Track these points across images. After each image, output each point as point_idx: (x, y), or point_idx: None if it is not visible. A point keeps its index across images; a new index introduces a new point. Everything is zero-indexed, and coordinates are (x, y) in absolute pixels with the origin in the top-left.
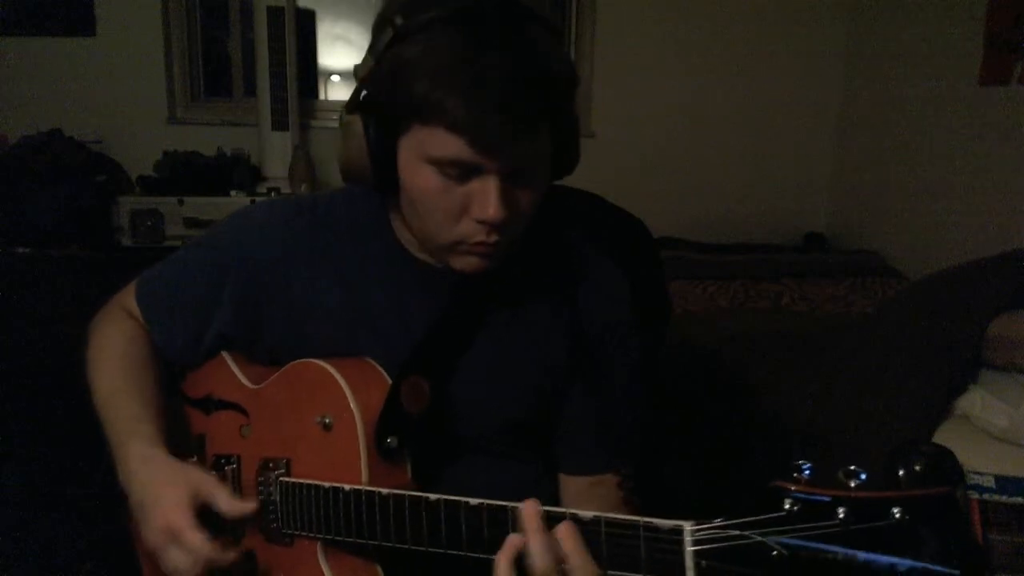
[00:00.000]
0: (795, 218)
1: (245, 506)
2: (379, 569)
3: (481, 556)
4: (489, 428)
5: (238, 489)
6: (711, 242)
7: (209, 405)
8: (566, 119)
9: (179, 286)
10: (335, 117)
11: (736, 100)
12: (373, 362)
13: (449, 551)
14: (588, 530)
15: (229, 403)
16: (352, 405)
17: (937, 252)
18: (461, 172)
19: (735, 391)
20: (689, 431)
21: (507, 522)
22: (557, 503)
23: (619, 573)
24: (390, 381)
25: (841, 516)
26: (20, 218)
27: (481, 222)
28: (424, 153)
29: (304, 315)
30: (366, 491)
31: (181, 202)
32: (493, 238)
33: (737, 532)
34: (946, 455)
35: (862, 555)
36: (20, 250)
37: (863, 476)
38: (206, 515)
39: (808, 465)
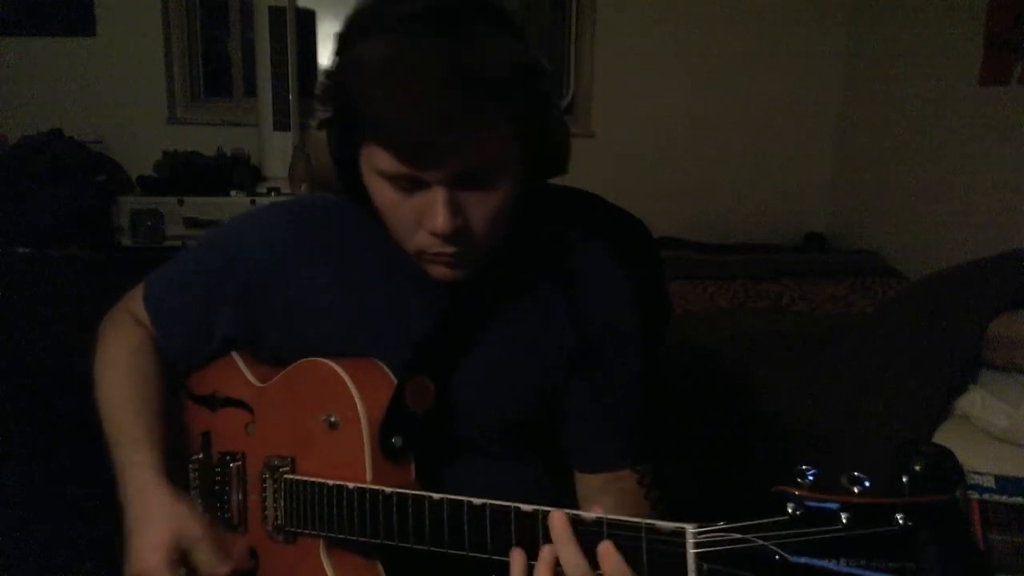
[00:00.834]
0: (795, 218)
1: (224, 561)
2: (381, 568)
3: (483, 556)
4: (491, 428)
5: (243, 486)
6: (711, 242)
7: (215, 402)
8: (526, 117)
9: (183, 288)
10: None
11: (736, 100)
12: (379, 362)
13: (451, 551)
14: (590, 531)
15: (235, 400)
16: (358, 404)
17: (937, 252)
18: (408, 184)
19: (735, 391)
20: (689, 431)
21: (510, 522)
22: (558, 502)
23: None
24: (395, 381)
25: (844, 522)
26: (20, 218)
27: (433, 234)
28: (374, 167)
29: (304, 316)
30: (370, 490)
31: (181, 202)
32: (450, 248)
33: (739, 536)
34: (946, 455)
35: (864, 561)
36: (20, 250)
37: (867, 483)
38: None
39: (812, 470)
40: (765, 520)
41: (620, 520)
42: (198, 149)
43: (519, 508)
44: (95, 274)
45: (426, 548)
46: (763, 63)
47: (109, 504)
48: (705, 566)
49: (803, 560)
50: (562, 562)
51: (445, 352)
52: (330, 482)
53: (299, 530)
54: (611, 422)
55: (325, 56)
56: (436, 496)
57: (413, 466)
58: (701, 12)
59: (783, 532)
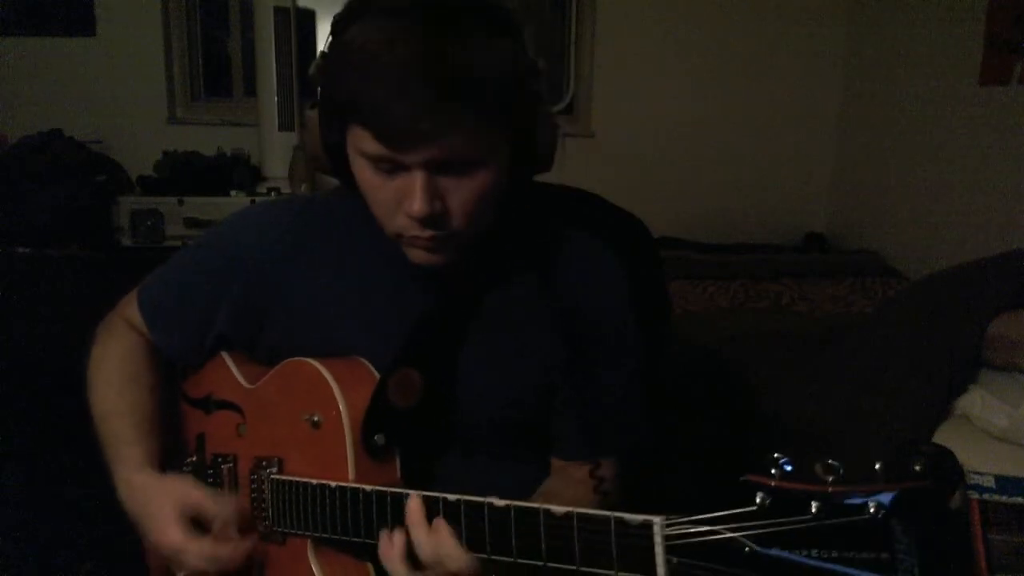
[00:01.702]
0: (795, 218)
1: (229, 502)
2: (371, 568)
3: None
4: (482, 424)
5: (234, 487)
6: (711, 242)
7: (209, 405)
8: (510, 111)
9: (179, 289)
10: None
11: (736, 100)
12: (363, 360)
13: None
14: (561, 525)
15: (227, 403)
16: (339, 403)
17: (937, 252)
18: (389, 166)
19: (735, 391)
20: (689, 431)
21: (483, 516)
22: None
23: (593, 570)
24: (378, 377)
25: (814, 511)
26: (20, 218)
27: (411, 217)
28: (358, 148)
29: (302, 314)
30: (351, 488)
31: (181, 202)
32: (427, 232)
33: (708, 528)
34: (946, 455)
35: (836, 552)
36: (20, 250)
37: (841, 471)
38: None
39: (786, 459)
40: (734, 511)
41: (589, 513)
42: (198, 149)
43: (492, 503)
44: (95, 274)
45: None
46: (763, 63)
47: (109, 504)
48: (674, 559)
49: (772, 551)
50: (415, 544)
51: (434, 344)
52: (313, 481)
53: (287, 530)
54: (584, 416)
55: None
56: (413, 493)
57: (398, 463)
58: (701, 12)
59: (753, 523)
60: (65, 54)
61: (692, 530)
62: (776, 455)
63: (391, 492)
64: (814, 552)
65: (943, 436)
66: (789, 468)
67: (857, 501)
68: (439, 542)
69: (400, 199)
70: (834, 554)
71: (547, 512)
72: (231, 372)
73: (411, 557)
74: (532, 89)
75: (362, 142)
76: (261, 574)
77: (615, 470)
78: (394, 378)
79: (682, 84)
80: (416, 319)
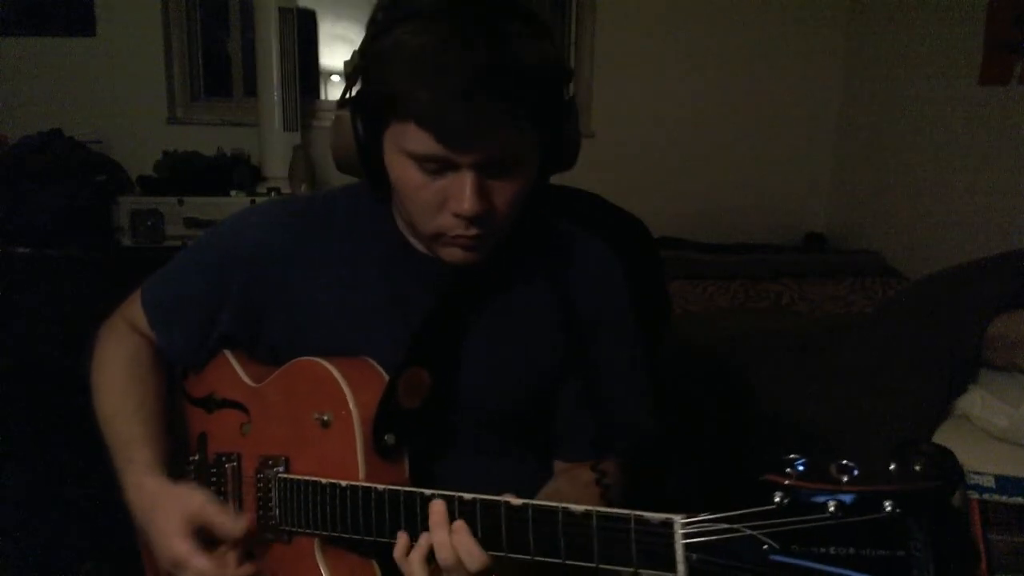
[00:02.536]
0: (795, 218)
1: (242, 524)
2: (376, 566)
3: None
4: (487, 421)
5: (238, 486)
6: (711, 242)
7: (211, 404)
8: (550, 112)
9: (181, 289)
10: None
11: (736, 100)
12: (372, 361)
13: None
14: (580, 523)
15: (230, 401)
16: (350, 403)
17: (937, 252)
18: (436, 166)
19: (735, 391)
20: (689, 431)
21: (500, 515)
22: None
23: (612, 567)
24: (387, 378)
25: (831, 510)
26: (20, 218)
27: (458, 216)
28: (402, 147)
29: (305, 313)
30: (363, 487)
31: (181, 202)
32: (472, 231)
33: (727, 526)
34: (946, 455)
35: (854, 549)
36: (20, 250)
37: (855, 471)
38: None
39: (801, 460)
40: (753, 510)
41: (610, 512)
42: (198, 149)
43: (508, 502)
44: (95, 274)
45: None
46: (763, 63)
47: (109, 504)
48: (694, 556)
49: (792, 549)
50: (435, 546)
51: (440, 342)
52: (323, 480)
53: (294, 529)
54: (584, 416)
55: (326, 56)
56: (427, 492)
57: (407, 463)
58: (701, 12)
59: (771, 521)
60: (65, 54)
61: (712, 528)
62: (791, 455)
63: (404, 491)
64: (832, 550)
65: (943, 436)
66: (803, 468)
67: (873, 501)
68: (460, 543)
69: (445, 198)
70: (852, 551)
71: (566, 511)
72: (235, 371)
73: (430, 558)
74: (565, 88)
75: (411, 142)
76: (265, 572)
77: (617, 467)
78: (403, 377)
79: (682, 84)
80: (422, 318)
